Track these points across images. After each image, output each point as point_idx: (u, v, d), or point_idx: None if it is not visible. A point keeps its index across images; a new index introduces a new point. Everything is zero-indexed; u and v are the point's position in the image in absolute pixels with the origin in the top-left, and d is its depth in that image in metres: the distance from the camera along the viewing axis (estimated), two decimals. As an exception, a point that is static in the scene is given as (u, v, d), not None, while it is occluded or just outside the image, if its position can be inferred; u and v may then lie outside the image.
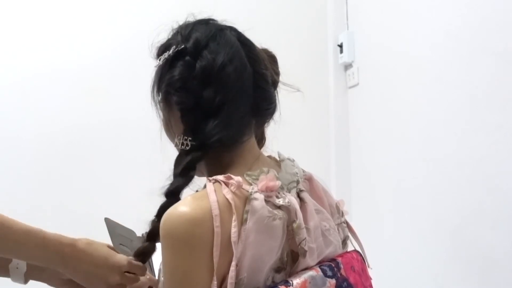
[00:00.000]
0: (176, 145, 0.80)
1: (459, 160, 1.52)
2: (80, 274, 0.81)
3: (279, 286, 0.71)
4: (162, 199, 0.76)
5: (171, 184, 0.76)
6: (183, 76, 0.79)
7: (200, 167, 0.80)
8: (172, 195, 0.75)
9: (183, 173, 0.76)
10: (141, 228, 0.97)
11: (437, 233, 1.61)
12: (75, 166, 1.90)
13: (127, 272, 0.83)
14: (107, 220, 0.93)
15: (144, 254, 0.82)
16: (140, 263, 0.83)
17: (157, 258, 0.81)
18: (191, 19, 0.85)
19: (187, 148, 0.77)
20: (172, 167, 0.78)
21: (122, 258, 0.83)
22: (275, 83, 0.87)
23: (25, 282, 0.89)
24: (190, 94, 0.78)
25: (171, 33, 0.85)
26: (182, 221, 0.68)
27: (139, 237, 0.96)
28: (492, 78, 1.40)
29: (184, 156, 0.77)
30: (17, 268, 0.87)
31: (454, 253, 1.54)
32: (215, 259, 0.67)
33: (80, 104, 1.92)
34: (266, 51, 0.88)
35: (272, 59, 0.89)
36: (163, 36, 0.85)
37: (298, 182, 0.81)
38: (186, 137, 0.78)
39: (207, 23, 0.84)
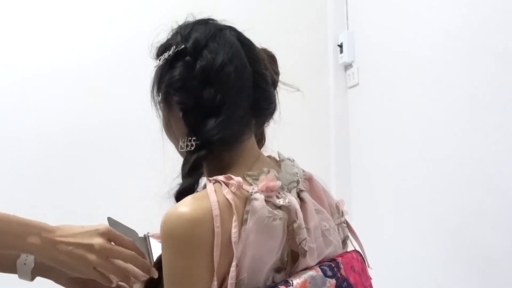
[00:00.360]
0: (181, 148, 0.79)
1: (459, 160, 1.52)
2: (61, 250, 0.76)
3: (279, 286, 0.71)
4: (173, 201, 0.75)
5: (180, 185, 0.76)
6: (183, 76, 0.79)
7: (201, 167, 0.80)
8: (182, 196, 0.74)
9: (190, 173, 0.76)
10: (141, 228, 0.97)
11: (437, 233, 1.61)
12: (75, 166, 1.89)
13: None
14: (109, 219, 0.93)
15: None
16: (121, 235, 0.81)
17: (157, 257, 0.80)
18: (191, 19, 0.85)
19: (192, 148, 0.77)
20: (179, 170, 0.77)
21: (100, 224, 0.81)
22: (274, 83, 0.87)
23: (32, 279, 0.89)
24: (190, 94, 0.78)
25: (171, 33, 0.85)
26: (182, 221, 0.68)
27: (140, 237, 0.96)
28: (492, 78, 1.40)
29: (190, 156, 0.77)
30: (24, 264, 0.86)
31: (454, 253, 1.53)
32: (216, 259, 0.67)
33: (80, 104, 1.92)
34: (265, 51, 0.88)
35: (272, 59, 0.89)
36: (163, 36, 0.85)
37: (298, 182, 0.81)
38: (190, 138, 0.77)
39: (206, 23, 0.84)
